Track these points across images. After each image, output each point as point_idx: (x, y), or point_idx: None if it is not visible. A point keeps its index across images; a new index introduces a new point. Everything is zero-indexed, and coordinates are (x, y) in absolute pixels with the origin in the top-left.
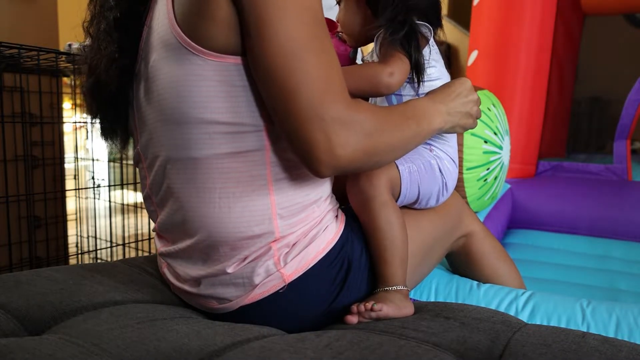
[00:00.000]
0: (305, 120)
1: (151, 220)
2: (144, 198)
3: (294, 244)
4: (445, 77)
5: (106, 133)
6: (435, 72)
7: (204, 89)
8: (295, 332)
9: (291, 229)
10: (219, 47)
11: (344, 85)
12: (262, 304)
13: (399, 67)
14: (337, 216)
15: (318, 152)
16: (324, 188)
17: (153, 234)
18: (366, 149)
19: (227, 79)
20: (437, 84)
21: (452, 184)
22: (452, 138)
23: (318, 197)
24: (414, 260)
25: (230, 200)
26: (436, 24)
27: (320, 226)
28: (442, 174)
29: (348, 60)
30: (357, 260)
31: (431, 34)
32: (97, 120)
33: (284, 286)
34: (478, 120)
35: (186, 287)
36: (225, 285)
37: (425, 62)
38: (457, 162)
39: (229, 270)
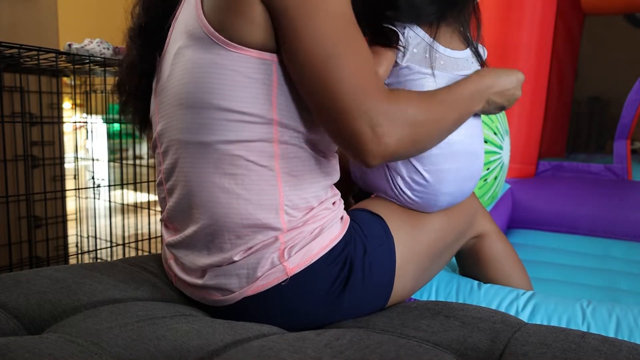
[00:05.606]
0: (350, 115)
1: (160, 209)
2: (157, 185)
3: (299, 238)
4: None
5: (138, 124)
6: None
7: (221, 76)
8: (296, 329)
9: (298, 223)
10: (243, 41)
11: (380, 81)
12: (264, 297)
13: (379, 61)
14: (342, 217)
15: (365, 144)
16: (333, 188)
17: (160, 224)
18: (411, 137)
19: (245, 70)
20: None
21: (479, 173)
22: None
23: (327, 196)
24: (423, 264)
25: (239, 187)
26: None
27: (325, 224)
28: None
29: None
30: (360, 262)
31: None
32: (129, 114)
33: (286, 279)
34: None
35: (191, 279)
36: (228, 276)
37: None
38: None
39: (235, 258)
